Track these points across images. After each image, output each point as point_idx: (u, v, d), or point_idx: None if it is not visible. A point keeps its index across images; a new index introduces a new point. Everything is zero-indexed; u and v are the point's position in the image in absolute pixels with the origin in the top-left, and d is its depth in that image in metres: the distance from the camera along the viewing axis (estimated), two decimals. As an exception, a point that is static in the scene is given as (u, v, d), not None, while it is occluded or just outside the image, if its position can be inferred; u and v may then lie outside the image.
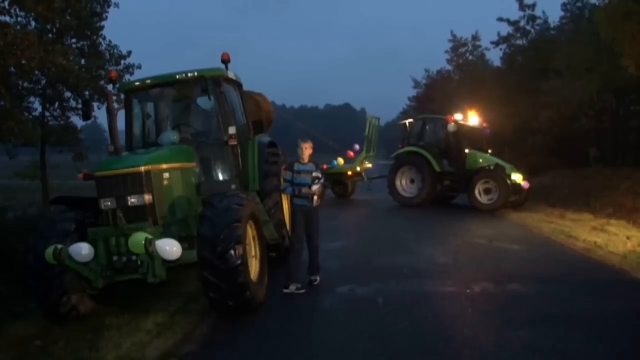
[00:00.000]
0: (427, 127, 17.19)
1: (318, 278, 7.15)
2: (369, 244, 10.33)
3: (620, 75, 17.66)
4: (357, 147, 19.58)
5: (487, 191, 14.81)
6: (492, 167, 15.03)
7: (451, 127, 15.56)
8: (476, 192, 14.81)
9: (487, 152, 16.02)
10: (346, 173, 18.99)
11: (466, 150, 15.66)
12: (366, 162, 19.40)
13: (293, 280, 6.76)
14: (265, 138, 8.20)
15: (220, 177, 7.20)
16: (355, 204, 18.93)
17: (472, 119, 16.49)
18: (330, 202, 19.17)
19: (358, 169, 18.76)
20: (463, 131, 16.03)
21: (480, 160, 15.42)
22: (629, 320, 5.32)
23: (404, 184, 16.55)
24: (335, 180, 19.45)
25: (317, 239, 7.05)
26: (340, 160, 19.46)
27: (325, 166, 18.37)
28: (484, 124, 17.02)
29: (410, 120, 18.09)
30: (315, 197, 6.81)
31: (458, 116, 16.13)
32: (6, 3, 13.01)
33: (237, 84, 7.99)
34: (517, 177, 14.83)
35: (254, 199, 6.67)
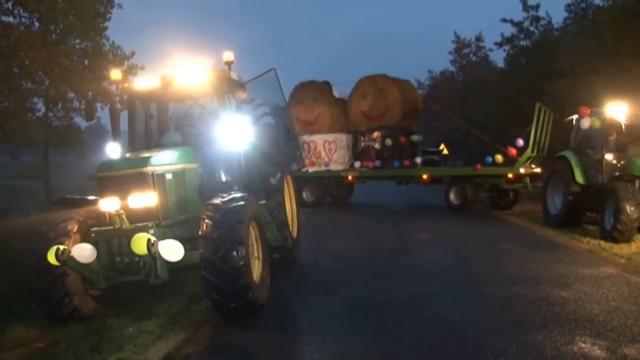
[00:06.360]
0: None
1: None
2: (372, 246, 10.29)
3: (624, 77, 17.58)
4: (520, 142, 14.50)
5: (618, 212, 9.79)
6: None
7: (585, 122, 11.26)
8: (606, 213, 10.23)
9: None
10: (505, 176, 14.57)
11: (606, 157, 10.92)
12: (532, 165, 14.84)
13: None
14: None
15: (223, 178, 7.18)
16: (354, 206, 18.79)
17: None
18: (330, 206, 18.93)
19: (522, 171, 14.22)
20: (617, 129, 11.00)
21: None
22: (634, 322, 5.28)
23: (556, 198, 12.23)
24: (491, 186, 15.32)
25: None
26: (499, 158, 14.65)
27: (479, 166, 15.03)
28: None
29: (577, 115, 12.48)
30: None
31: (617, 108, 11.00)
32: (10, 4, 13.04)
33: (240, 85, 7.96)
34: None
35: (257, 200, 6.65)
